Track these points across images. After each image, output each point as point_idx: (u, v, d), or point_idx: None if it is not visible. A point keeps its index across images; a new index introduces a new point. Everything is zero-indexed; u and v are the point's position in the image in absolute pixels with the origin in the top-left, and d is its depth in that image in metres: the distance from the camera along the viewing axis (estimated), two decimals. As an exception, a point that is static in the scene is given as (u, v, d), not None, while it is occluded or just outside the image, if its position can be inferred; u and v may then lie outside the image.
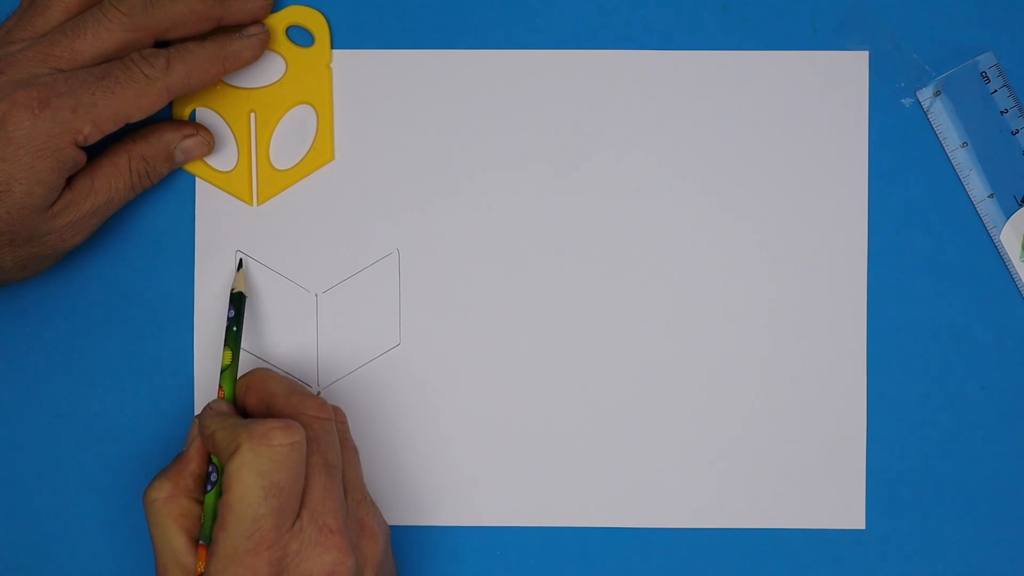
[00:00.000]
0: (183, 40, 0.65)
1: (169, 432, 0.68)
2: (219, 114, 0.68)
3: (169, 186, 0.68)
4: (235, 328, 0.65)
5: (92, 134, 0.62)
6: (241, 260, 0.68)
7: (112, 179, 0.65)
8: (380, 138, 0.68)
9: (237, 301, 0.66)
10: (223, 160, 0.68)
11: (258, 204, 0.68)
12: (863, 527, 0.68)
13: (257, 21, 0.67)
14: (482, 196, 0.68)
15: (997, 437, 0.68)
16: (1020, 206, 0.67)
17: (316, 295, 0.68)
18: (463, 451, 0.68)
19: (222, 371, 0.64)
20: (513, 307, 0.68)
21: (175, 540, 0.60)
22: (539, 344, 0.68)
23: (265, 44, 0.66)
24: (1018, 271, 0.67)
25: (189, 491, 0.61)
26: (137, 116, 0.63)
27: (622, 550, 0.68)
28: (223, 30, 0.66)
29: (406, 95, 0.68)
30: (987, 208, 0.67)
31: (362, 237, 0.68)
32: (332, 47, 0.68)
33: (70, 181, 0.63)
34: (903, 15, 0.68)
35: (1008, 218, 0.67)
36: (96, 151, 0.65)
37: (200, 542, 0.60)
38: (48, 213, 0.63)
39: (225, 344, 0.65)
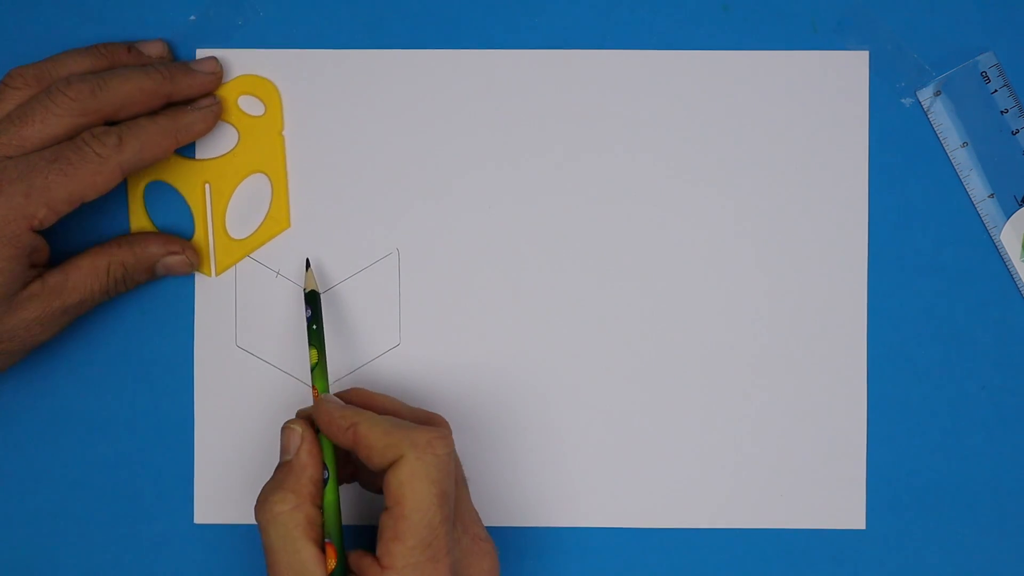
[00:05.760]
0: (134, 117, 0.64)
1: (169, 432, 0.68)
2: (174, 186, 0.67)
3: (169, 186, 0.68)
4: (315, 326, 0.64)
5: (48, 217, 0.61)
6: (308, 260, 0.67)
7: (89, 280, 0.64)
8: (380, 138, 0.68)
9: (312, 300, 0.65)
10: (180, 232, 0.68)
11: (216, 275, 0.68)
12: (863, 527, 0.68)
13: (208, 93, 0.66)
14: (482, 196, 0.68)
15: (997, 437, 0.68)
16: (1020, 206, 0.67)
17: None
18: (463, 451, 0.68)
19: (312, 369, 0.63)
20: (513, 306, 0.68)
21: (304, 552, 0.59)
22: (539, 344, 0.68)
23: (218, 115, 0.66)
24: (1018, 271, 0.67)
25: (312, 498, 0.60)
26: (92, 196, 0.62)
27: (622, 550, 0.68)
28: (173, 104, 0.65)
29: (406, 95, 0.68)
30: (987, 208, 0.67)
31: (362, 237, 0.68)
32: (283, 114, 0.67)
33: (43, 276, 0.63)
34: (903, 15, 0.68)
35: (1008, 218, 0.67)
36: (77, 251, 0.64)
37: (326, 540, 0.60)
38: (12, 303, 0.62)
39: (309, 343, 0.64)
